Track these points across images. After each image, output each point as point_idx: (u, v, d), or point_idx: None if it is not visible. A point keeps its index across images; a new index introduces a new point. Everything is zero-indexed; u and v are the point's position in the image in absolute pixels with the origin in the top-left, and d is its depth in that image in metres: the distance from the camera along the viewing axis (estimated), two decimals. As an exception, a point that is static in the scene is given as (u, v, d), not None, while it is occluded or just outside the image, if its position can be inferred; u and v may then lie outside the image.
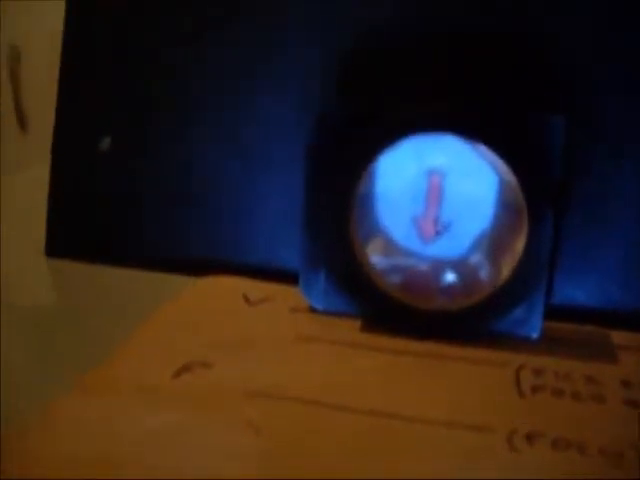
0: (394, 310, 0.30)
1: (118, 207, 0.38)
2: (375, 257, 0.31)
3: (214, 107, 0.36)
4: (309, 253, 0.31)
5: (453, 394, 0.27)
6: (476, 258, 0.31)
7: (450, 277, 0.31)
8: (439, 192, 0.31)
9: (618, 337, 0.31)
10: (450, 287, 0.31)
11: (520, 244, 0.29)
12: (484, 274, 0.30)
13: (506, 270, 0.30)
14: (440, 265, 0.32)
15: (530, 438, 0.24)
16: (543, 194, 0.29)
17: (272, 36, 0.34)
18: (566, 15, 0.31)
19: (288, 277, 0.33)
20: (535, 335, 0.30)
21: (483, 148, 0.30)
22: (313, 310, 0.32)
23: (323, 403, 0.26)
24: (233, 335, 0.30)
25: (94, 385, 0.27)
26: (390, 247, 0.32)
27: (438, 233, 0.31)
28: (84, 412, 0.25)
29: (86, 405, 0.25)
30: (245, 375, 0.27)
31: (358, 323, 0.31)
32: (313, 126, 0.30)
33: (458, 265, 0.31)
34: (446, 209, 0.31)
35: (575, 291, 0.33)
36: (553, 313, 0.30)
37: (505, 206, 0.30)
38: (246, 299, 0.34)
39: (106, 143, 0.37)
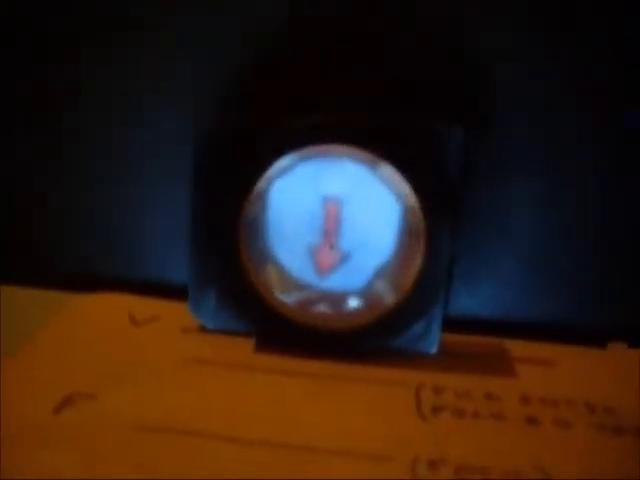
0: (287, 329, 0.29)
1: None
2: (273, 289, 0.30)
3: (100, 123, 0.34)
4: (198, 270, 0.30)
5: (352, 419, 0.26)
6: (379, 286, 0.30)
7: (353, 303, 0.30)
8: (337, 221, 0.30)
9: (514, 347, 0.31)
10: (354, 311, 0.30)
11: (419, 261, 0.28)
12: (388, 298, 0.29)
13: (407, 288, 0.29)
14: (340, 297, 0.30)
15: (433, 465, 0.23)
16: (440, 208, 0.28)
17: (160, 52, 0.32)
18: (470, 31, 0.30)
19: (178, 294, 0.31)
20: (433, 350, 0.29)
21: (383, 173, 0.29)
22: (204, 329, 0.30)
23: (214, 435, 0.25)
24: (118, 360, 0.29)
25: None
26: (283, 278, 0.31)
27: (336, 265, 0.30)
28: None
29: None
30: (132, 406, 0.26)
31: (251, 342, 0.30)
32: (197, 141, 0.29)
33: (360, 295, 0.30)
34: (345, 239, 0.30)
35: (470, 300, 0.33)
36: (449, 324, 0.30)
37: (406, 230, 0.29)
38: (132, 319, 0.32)
39: None
